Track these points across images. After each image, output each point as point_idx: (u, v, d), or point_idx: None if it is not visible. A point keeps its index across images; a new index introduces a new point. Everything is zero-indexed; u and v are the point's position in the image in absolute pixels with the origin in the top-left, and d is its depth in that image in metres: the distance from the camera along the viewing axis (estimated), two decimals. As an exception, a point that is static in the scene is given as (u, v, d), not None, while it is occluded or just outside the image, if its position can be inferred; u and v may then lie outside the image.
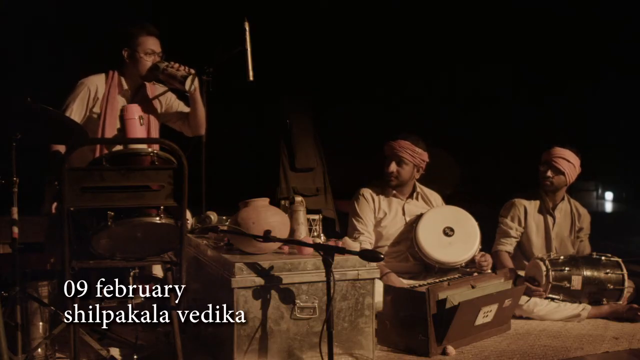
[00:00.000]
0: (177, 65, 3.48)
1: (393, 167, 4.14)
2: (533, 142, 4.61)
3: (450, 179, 6.09)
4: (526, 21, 7.07)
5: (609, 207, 11.42)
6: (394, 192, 4.21)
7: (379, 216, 4.16)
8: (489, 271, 3.88)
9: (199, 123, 3.73)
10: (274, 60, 5.56)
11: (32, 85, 3.59)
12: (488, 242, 4.34)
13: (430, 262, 4.00)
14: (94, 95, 3.52)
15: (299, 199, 3.44)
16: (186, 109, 3.75)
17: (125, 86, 3.59)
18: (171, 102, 3.77)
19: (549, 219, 4.50)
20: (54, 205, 3.33)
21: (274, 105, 5.81)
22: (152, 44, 3.54)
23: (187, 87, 3.45)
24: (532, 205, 4.51)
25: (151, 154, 2.80)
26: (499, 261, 4.41)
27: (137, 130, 3.32)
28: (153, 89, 3.70)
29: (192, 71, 3.48)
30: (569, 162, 4.38)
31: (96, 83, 3.55)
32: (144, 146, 2.86)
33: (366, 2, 6.59)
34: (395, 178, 4.15)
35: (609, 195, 11.82)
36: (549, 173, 4.41)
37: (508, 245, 4.48)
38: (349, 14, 6.50)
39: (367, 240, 4.07)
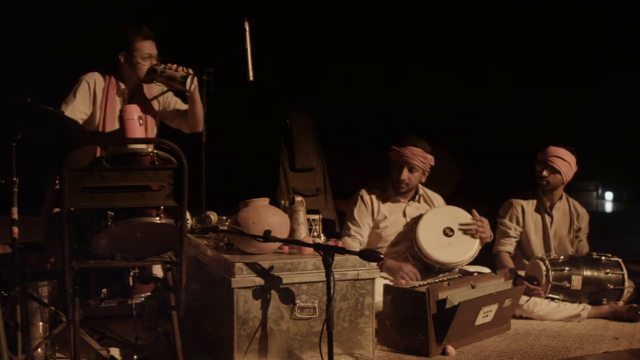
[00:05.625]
0: (174, 66, 3.48)
1: (405, 174, 4.06)
2: (534, 143, 4.60)
3: (450, 179, 6.08)
4: (525, 20, 7.07)
5: (609, 207, 11.42)
6: (396, 194, 4.18)
7: (378, 218, 4.14)
8: (488, 239, 4.05)
9: (197, 120, 3.77)
10: (275, 61, 5.56)
11: (32, 86, 3.58)
12: (488, 242, 4.33)
13: (430, 263, 4.00)
14: (92, 91, 3.55)
15: (299, 199, 3.43)
16: (184, 107, 3.77)
17: (123, 86, 3.62)
18: (168, 100, 3.79)
19: (547, 217, 4.50)
20: (52, 206, 3.34)
21: (274, 105, 5.80)
22: (148, 47, 3.55)
23: (187, 87, 3.46)
24: (530, 205, 4.51)
25: (151, 154, 2.80)
26: (499, 261, 4.43)
27: (137, 130, 3.32)
28: (150, 88, 3.72)
29: (191, 71, 3.49)
30: (564, 161, 4.38)
31: (94, 78, 3.58)
32: (143, 146, 2.86)
33: (366, 2, 6.60)
34: (406, 185, 4.11)
35: (609, 195, 11.83)
36: (545, 172, 4.42)
37: (508, 246, 4.48)
38: (350, 13, 6.50)
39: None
